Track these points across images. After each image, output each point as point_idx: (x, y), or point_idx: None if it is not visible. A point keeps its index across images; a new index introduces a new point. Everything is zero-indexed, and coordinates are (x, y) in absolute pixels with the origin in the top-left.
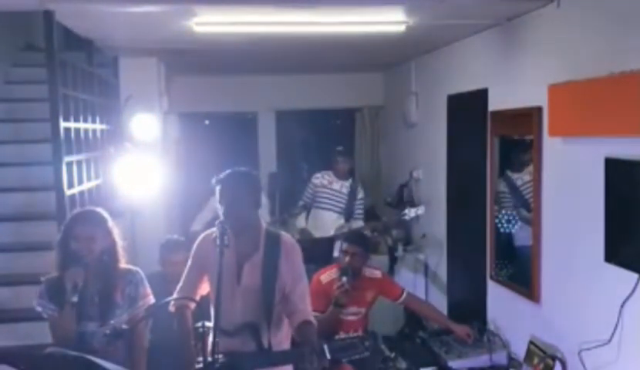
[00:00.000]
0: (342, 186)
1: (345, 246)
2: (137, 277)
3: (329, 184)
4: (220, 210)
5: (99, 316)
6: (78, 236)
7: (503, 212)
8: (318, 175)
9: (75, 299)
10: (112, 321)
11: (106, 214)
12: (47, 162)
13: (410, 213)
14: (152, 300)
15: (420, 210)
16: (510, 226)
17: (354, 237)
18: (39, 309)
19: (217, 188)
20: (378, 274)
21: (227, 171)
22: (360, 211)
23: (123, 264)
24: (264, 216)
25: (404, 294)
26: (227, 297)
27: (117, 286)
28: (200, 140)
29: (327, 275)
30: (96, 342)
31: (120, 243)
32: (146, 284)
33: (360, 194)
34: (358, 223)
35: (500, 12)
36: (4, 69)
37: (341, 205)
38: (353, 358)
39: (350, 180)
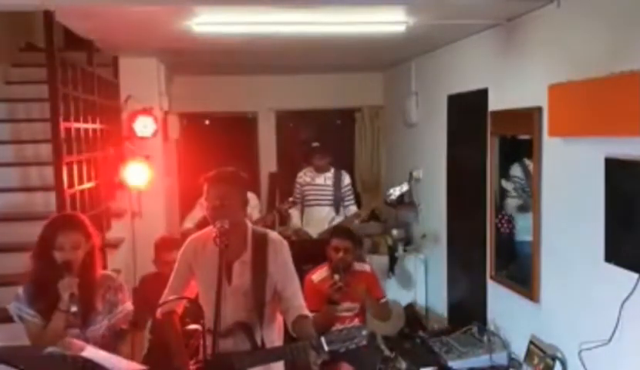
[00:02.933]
0: (325, 179)
1: (335, 242)
2: (116, 283)
3: (312, 181)
4: (207, 208)
5: (79, 323)
6: (62, 245)
7: (512, 193)
8: (301, 174)
9: (74, 308)
10: (92, 328)
11: (83, 217)
12: (47, 162)
13: (395, 192)
14: (130, 306)
15: (404, 187)
16: (511, 226)
17: (342, 232)
18: (15, 312)
19: (205, 187)
20: (367, 267)
21: (214, 170)
22: (350, 197)
23: (100, 269)
24: (255, 215)
25: (384, 299)
26: (221, 298)
27: (97, 292)
28: (200, 140)
29: (318, 274)
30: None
31: (99, 246)
32: (125, 289)
33: (346, 180)
34: (351, 210)
35: (500, 12)
36: (4, 69)
37: (329, 197)
38: (351, 347)
39: (332, 170)
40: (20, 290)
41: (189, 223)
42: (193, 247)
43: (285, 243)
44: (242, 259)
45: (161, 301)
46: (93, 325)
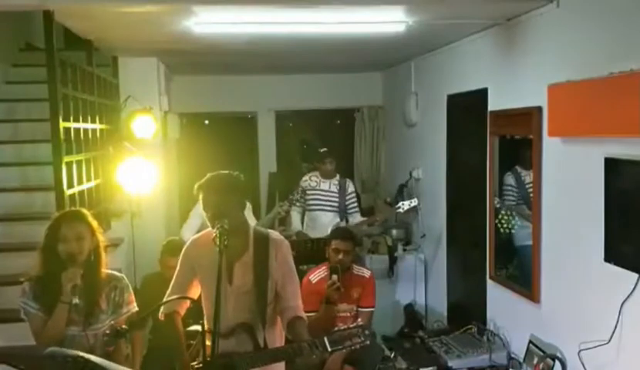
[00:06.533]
0: (331, 185)
1: (335, 243)
2: (123, 283)
3: (317, 186)
4: (207, 216)
5: (82, 320)
6: (66, 236)
7: (503, 212)
8: (306, 178)
9: (76, 300)
10: (94, 327)
11: (87, 213)
12: (46, 162)
13: (404, 205)
14: (135, 307)
15: (414, 202)
16: (510, 226)
17: (343, 234)
18: (21, 306)
19: (200, 195)
20: (367, 273)
21: (207, 176)
22: (354, 205)
23: (106, 269)
24: (251, 219)
25: (371, 309)
26: (220, 299)
27: (102, 291)
28: (200, 140)
29: (316, 275)
30: (77, 346)
31: (104, 245)
32: (131, 290)
33: (350, 188)
34: (355, 218)
35: (500, 12)
36: (4, 69)
37: (334, 203)
38: (354, 347)
39: (337, 177)
40: (26, 285)
41: (187, 234)
42: (196, 248)
43: (287, 242)
44: (243, 259)
45: (163, 301)
46: (95, 324)
